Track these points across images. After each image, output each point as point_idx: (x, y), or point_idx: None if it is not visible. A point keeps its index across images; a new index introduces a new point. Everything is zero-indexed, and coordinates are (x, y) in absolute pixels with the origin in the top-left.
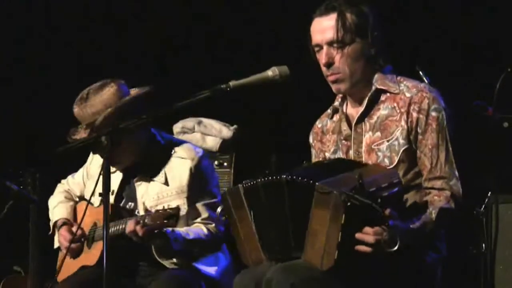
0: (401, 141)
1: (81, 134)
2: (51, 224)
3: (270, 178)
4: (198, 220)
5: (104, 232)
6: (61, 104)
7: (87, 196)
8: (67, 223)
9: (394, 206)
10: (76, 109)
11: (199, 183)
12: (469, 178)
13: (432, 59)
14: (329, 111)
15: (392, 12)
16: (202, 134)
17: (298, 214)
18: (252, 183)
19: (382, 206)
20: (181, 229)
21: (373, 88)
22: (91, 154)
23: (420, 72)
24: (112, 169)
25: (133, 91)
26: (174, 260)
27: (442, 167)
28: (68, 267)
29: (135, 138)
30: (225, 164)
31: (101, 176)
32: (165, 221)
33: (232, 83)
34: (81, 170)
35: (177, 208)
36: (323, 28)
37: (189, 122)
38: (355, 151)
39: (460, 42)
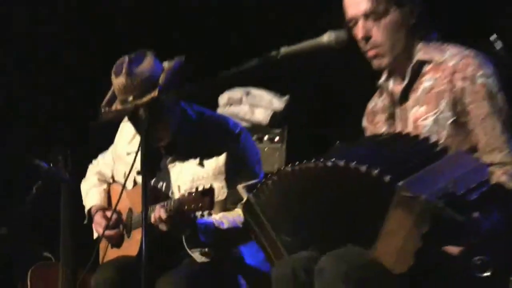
0: (447, 113)
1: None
2: (86, 211)
3: (311, 165)
4: (239, 204)
5: (142, 216)
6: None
7: (117, 178)
8: (101, 209)
9: (481, 208)
10: (121, 79)
11: (239, 162)
12: None
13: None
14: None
15: None
16: (250, 106)
17: (353, 203)
18: (259, 184)
19: (471, 213)
20: (215, 217)
21: (415, 59)
22: (119, 132)
23: (495, 42)
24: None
25: (165, 64)
26: (206, 250)
27: (499, 138)
28: (110, 256)
29: (171, 114)
30: (277, 139)
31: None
32: (193, 205)
33: (283, 49)
34: (110, 149)
35: (210, 189)
36: (357, 0)
37: (236, 93)
38: (402, 131)
39: None
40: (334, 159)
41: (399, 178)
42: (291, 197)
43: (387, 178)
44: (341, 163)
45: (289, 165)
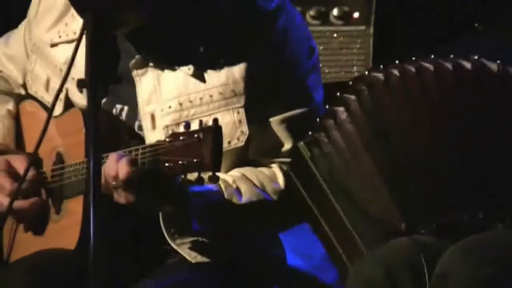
0: None
1: None
2: None
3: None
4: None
5: (90, 174)
6: None
7: (34, 89)
8: (3, 152)
9: None
10: None
11: (273, 71)
12: None
13: None
14: None
15: None
16: None
17: None
18: (320, 115)
19: None
20: (226, 178)
21: None
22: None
23: None
24: (74, 34)
25: None
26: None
27: None
28: (25, 249)
29: None
30: (356, 16)
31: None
32: (180, 161)
33: None
34: (20, 30)
35: (215, 128)
36: None
37: None
38: None
39: None
40: (476, 57)
41: None
42: (384, 136)
43: None
44: (493, 65)
45: (382, 69)
